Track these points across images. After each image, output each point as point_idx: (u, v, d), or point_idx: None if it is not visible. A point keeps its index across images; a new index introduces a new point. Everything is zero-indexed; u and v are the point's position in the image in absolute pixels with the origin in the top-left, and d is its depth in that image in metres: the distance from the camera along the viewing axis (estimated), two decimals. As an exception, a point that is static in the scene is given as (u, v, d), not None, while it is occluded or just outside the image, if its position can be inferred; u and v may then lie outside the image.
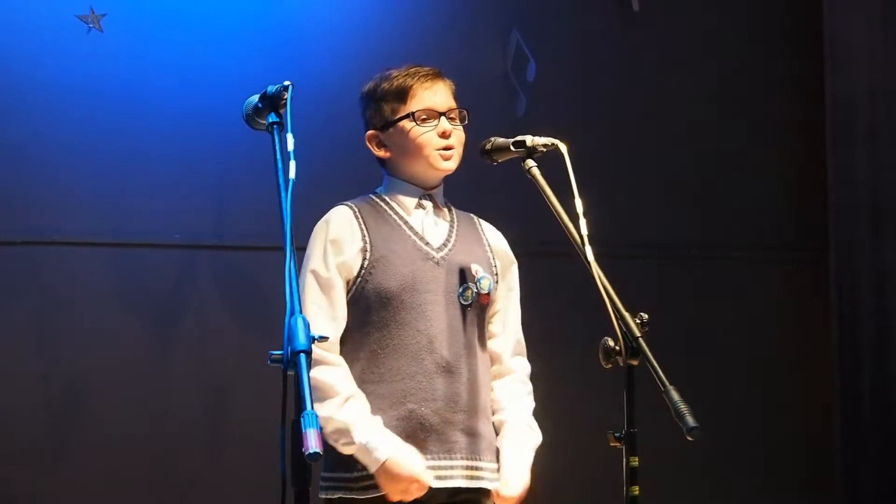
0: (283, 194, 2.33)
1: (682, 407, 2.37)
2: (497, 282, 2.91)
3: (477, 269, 2.87)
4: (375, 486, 2.74)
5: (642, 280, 4.38)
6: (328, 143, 4.15)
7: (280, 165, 2.37)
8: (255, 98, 2.55)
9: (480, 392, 2.85)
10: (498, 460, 2.85)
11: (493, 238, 2.99)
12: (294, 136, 2.38)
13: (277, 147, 2.41)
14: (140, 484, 4.05)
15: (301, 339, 2.20)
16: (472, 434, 2.82)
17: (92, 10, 4.07)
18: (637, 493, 2.45)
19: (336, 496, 2.79)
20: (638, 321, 2.47)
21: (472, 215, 3.00)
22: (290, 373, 2.20)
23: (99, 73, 4.07)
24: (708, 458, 4.31)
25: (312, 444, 2.08)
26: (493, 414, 2.89)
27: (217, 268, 4.19)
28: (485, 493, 2.83)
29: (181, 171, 4.15)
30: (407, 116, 2.84)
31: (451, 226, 2.92)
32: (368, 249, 2.80)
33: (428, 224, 2.88)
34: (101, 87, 4.07)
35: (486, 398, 2.88)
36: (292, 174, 2.34)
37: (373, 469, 2.71)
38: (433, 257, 2.84)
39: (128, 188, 4.11)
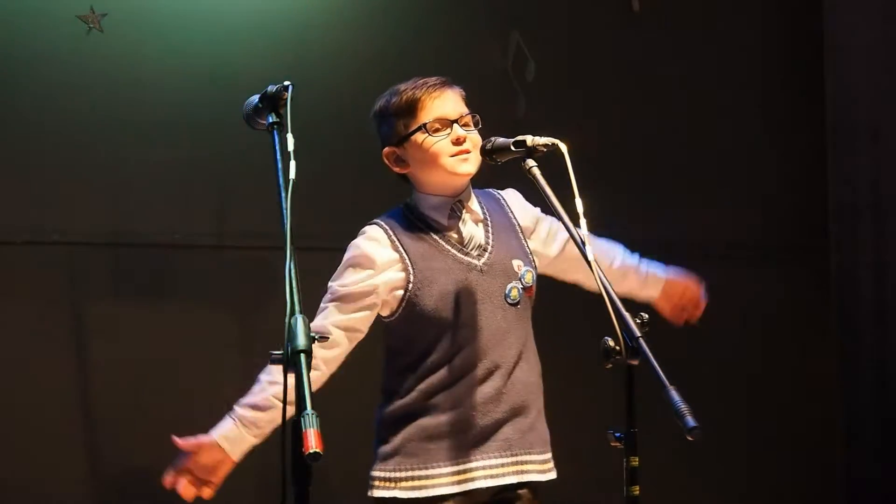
0: (282, 194, 2.33)
1: (683, 407, 2.37)
2: (536, 269, 2.93)
3: (518, 265, 2.89)
4: (422, 487, 2.80)
5: (642, 280, 4.37)
6: (329, 142, 4.15)
7: (280, 165, 2.37)
8: (255, 98, 2.55)
9: (532, 387, 2.89)
10: (549, 451, 2.92)
11: (518, 210, 2.99)
12: (294, 136, 2.38)
13: (277, 147, 2.41)
14: (138, 483, 4.05)
15: (301, 339, 2.20)
16: (524, 430, 2.86)
17: (92, 9, 4.07)
18: (637, 493, 2.45)
19: (389, 496, 2.82)
20: (638, 321, 2.47)
21: (493, 193, 3.00)
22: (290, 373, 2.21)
23: (99, 73, 4.07)
24: (708, 458, 4.31)
25: (312, 443, 2.09)
26: (629, 273, 3.11)
27: (217, 268, 4.19)
28: (534, 485, 2.88)
29: (181, 170, 4.16)
30: (419, 129, 2.83)
31: (486, 224, 2.92)
32: (411, 271, 2.81)
33: (465, 232, 2.88)
34: (102, 87, 4.07)
35: (538, 392, 2.91)
36: (292, 174, 2.34)
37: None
38: (476, 266, 2.85)
39: (128, 188, 4.11)
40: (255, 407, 2.81)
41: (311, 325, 2.72)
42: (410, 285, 2.80)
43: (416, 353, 2.83)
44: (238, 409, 2.83)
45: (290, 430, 2.18)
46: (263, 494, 3.99)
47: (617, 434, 2.48)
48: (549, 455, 2.92)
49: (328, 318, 2.82)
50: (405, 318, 2.82)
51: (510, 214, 2.97)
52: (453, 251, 2.85)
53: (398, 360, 2.86)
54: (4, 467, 3.92)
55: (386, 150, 2.89)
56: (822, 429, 4.72)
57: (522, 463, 2.86)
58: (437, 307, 2.80)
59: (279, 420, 2.76)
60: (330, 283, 2.86)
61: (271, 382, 2.79)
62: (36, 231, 4.01)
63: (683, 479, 4.42)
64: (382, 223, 2.87)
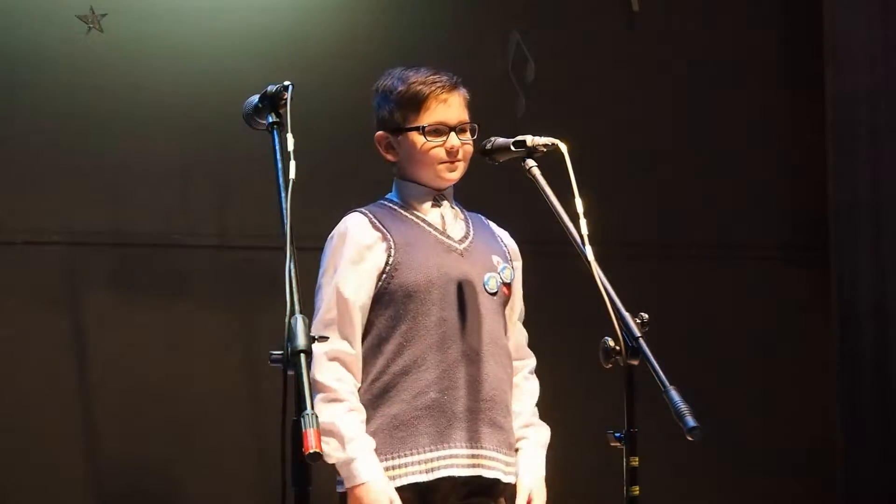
0: (282, 194, 2.34)
1: (682, 407, 2.38)
2: (514, 274, 2.95)
3: (498, 260, 2.91)
4: (394, 477, 2.76)
5: (642, 280, 4.37)
6: (329, 142, 4.15)
7: (280, 165, 2.37)
8: (255, 98, 2.56)
9: (503, 383, 2.88)
10: (515, 455, 2.89)
11: (503, 235, 3.03)
12: (294, 136, 2.38)
13: (277, 147, 2.41)
14: (139, 484, 4.05)
15: (301, 339, 2.20)
16: (493, 425, 2.84)
17: (92, 9, 4.07)
18: (637, 493, 2.45)
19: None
20: (638, 321, 2.48)
21: (479, 215, 3.03)
22: (290, 373, 2.21)
23: (99, 73, 4.07)
24: (708, 458, 4.31)
25: (312, 444, 2.09)
26: (529, 431, 2.94)
27: (217, 268, 4.19)
28: (498, 486, 2.86)
29: (181, 170, 4.15)
30: (417, 129, 2.84)
31: (466, 222, 2.95)
32: (392, 246, 2.82)
33: (447, 219, 2.90)
34: (102, 87, 4.07)
35: (508, 391, 2.90)
36: (292, 174, 2.34)
37: (348, 486, 2.73)
38: (456, 248, 2.87)
39: (128, 188, 4.11)
40: (358, 430, 2.77)
41: (334, 351, 2.76)
42: (391, 259, 2.81)
43: (391, 330, 2.82)
44: (348, 450, 2.74)
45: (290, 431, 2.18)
46: (264, 494, 3.99)
47: (617, 434, 2.48)
48: (513, 460, 2.90)
49: (337, 333, 2.79)
50: (383, 292, 2.82)
51: (493, 231, 3.01)
52: (434, 232, 2.88)
53: (372, 339, 2.84)
54: (4, 468, 3.92)
55: (379, 134, 2.91)
56: (822, 429, 4.72)
57: (491, 458, 2.84)
58: (417, 281, 2.80)
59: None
60: (322, 279, 2.84)
61: (349, 409, 2.77)
62: (36, 231, 4.01)
63: (683, 479, 4.42)
64: (360, 209, 2.90)
